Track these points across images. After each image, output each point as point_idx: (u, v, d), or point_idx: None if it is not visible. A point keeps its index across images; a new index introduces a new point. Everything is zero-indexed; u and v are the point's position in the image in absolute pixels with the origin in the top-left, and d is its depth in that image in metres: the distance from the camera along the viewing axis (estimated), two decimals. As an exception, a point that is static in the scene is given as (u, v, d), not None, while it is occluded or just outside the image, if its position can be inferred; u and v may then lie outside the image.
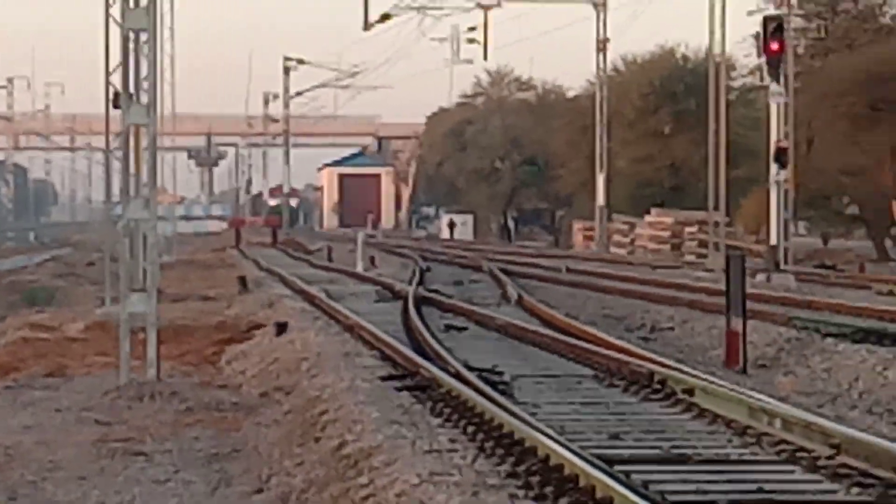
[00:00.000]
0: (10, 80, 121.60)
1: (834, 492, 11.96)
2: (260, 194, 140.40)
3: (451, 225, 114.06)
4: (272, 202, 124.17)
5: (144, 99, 23.23)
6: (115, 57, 23.26)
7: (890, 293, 38.46)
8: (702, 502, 11.20)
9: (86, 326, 30.84)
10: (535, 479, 12.17)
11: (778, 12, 47.92)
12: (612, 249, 72.82)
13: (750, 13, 56.75)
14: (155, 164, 24.33)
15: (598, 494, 10.98)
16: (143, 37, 23.06)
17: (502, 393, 17.36)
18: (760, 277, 40.83)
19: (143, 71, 23.10)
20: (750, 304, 24.97)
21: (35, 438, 17.67)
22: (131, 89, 23.21)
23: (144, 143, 23.66)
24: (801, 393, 20.13)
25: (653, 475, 12.22)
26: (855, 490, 11.95)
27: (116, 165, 24.69)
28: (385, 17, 59.92)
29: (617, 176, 75.62)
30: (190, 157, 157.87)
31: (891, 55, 56.99)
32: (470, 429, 15.11)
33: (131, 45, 23.06)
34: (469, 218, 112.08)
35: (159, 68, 23.32)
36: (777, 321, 27.55)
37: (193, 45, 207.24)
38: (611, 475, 11.40)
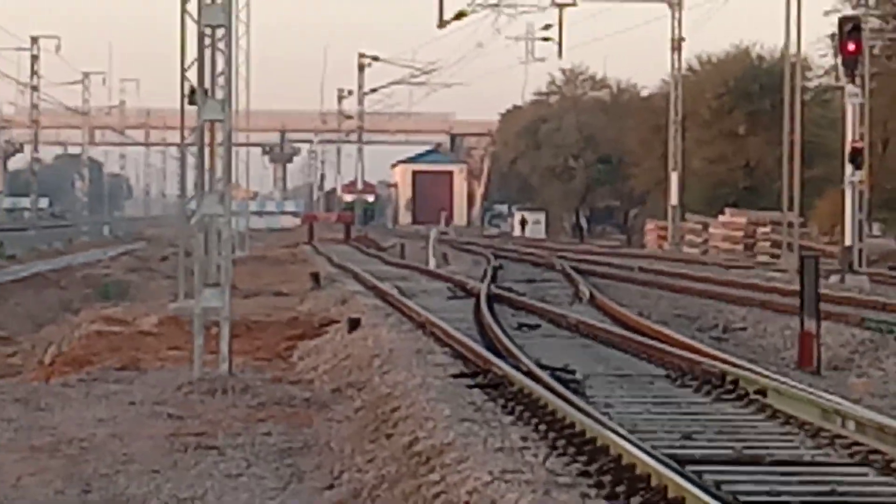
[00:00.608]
0: (86, 76, 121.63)
1: (907, 496, 11.92)
2: (333, 190, 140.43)
3: (523, 222, 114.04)
4: (347, 198, 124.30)
5: (219, 95, 23.30)
6: (191, 53, 23.27)
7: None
8: (770, 500, 11.17)
9: (159, 321, 30.92)
10: (606, 479, 12.15)
11: (855, 13, 47.75)
12: (685, 249, 72.60)
13: (826, 13, 56.67)
14: (229, 159, 24.39)
15: (671, 494, 10.96)
16: (219, 33, 23.13)
17: (574, 391, 17.34)
18: (834, 279, 40.64)
19: (219, 67, 23.19)
20: (823, 306, 24.88)
21: (109, 431, 17.73)
22: (206, 85, 23.26)
23: (219, 138, 23.76)
24: (875, 395, 20.03)
25: (725, 476, 12.19)
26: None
27: (191, 161, 24.70)
28: (460, 15, 59.90)
29: (691, 175, 75.48)
30: (264, 153, 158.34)
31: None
32: (542, 427, 15.09)
33: (207, 42, 23.12)
34: (541, 216, 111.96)
35: (234, 64, 23.37)
36: (851, 323, 27.44)
37: (268, 41, 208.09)
38: (683, 475, 11.37)
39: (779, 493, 11.71)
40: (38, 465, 15.80)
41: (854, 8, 49.19)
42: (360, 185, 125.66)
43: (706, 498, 10.49)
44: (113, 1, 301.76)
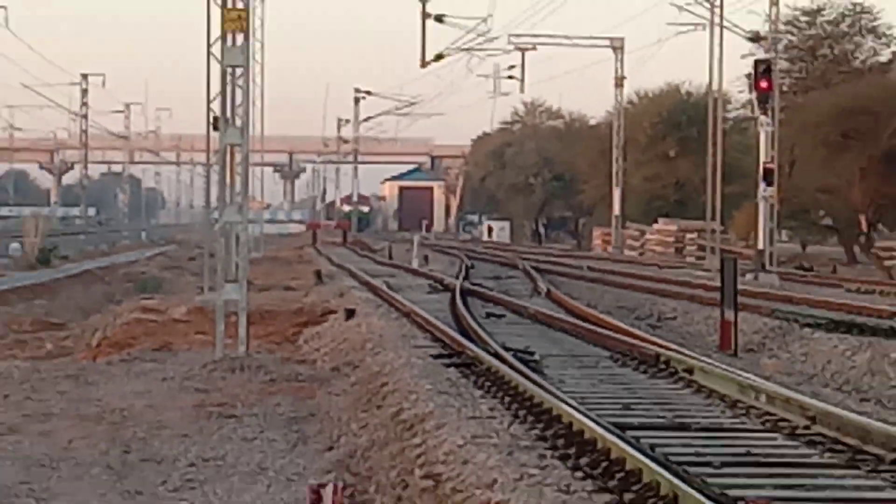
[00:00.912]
0: (127, 106, 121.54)
1: (809, 456, 11.94)
2: (333, 202, 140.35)
3: (490, 229, 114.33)
4: (345, 208, 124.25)
5: (238, 123, 23.29)
6: (215, 87, 23.25)
7: (857, 291, 38.35)
8: (699, 463, 11.18)
9: (187, 310, 30.90)
10: (560, 443, 12.18)
11: (766, 56, 47.75)
12: (626, 252, 72.55)
13: (743, 56, 56.75)
14: (246, 176, 24.39)
15: (613, 456, 10.98)
16: (238, 72, 23.13)
17: (533, 370, 17.36)
18: (749, 277, 40.69)
19: (238, 99, 23.16)
20: (741, 299, 24.90)
21: (145, 403, 17.74)
22: (228, 115, 23.26)
23: (238, 159, 23.72)
24: (783, 373, 20.09)
25: (658, 440, 12.22)
26: (827, 455, 11.93)
27: (214, 177, 24.64)
28: (439, 57, 59.78)
29: (630, 191, 75.44)
30: (275, 171, 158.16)
31: (859, 93, 56.85)
32: (506, 399, 15.11)
33: (228, 78, 23.12)
34: (506, 224, 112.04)
35: (251, 97, 23.28)
36: (763, 313, 27.49)
37: (279, 78, 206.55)
38: (623, 439, 11.40)
39: (703, 454, 11.74)
40: (86, 430, 15.80)
41: (766, 52, 49.17)
42: (355, 198, 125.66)
43: (643, 458, 10.52)
44: (150, 42, 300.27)
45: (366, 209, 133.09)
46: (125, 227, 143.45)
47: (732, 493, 9.53)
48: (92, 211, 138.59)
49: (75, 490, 12.77)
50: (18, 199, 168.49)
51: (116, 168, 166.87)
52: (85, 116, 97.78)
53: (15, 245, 71.45)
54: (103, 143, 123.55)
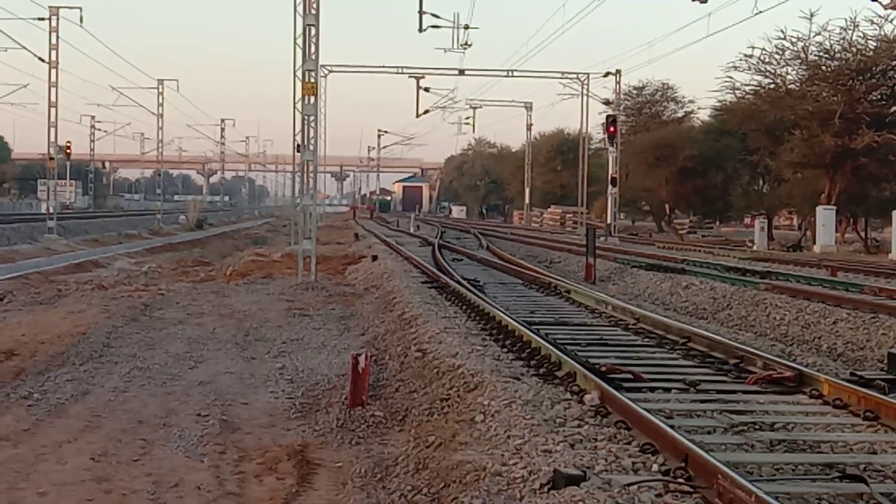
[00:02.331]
0: (247, 138, 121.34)
1: (635, 340, 11.99)
2: (365, 194, 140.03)
3: (450, 210, 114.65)
4: (374, 198, 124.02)
5: (311, 147, 23.23)
6: (298, 126, 23.17)
7: (663, 247, 38.44)
8: (573, 344, 11.21)
9: (282, 255, 30.84)
10: (495, 331, 12.21)
11: (613, 113, 47.69)
12: (532, 224, 72.52)
13: (600, 113, 56.53)
14: (315, 179, 24.32)
15: (524, 339, 11.01)
16: (311, 118, 23.07)
17: (479, 290, 17.40)
18: (602, 239, 40.80)
19: (311, 134, 23.09)
20: (597, 251, 24.98)
21: (257, 307, 17.72)
22: (305, 142, 23.19)
23: (310, 169, 23.65)
24: (621, 293, 20.15)
25: (550, 330, 12.25)
26: (646, 339, 11.99)
27: (297, 179, 24.58)
28: (426, 111, 59.55)
29: (535, 189, 75.33)
30: (332, 176, 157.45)
31: (665, 135, 56.97)
32: (464, 307, 15.15)
33: (306, 121, 23.04)
34: (464, 208, 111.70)
35: (318, 132, 23.19)
36: (609, 259, 27.57)
37: (334, 121, 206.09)
38: (530, 330, 11.43)
39: (575, 339, 11.78)
40: (223, 322, 15.79)
41: (613, 111, 49.06)
42: (378, 192, 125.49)
43: (541, 341, 10.54)
44: (259, 101, 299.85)
45: (388, 198, 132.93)
46: (246, 208, 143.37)
47: (592, 360, 9.57)
48: (226, 198, 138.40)
49: (217, 357, 12.77)
50: (184, 192, 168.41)
51: (241, 173, 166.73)
52: (223, 143, 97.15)
53: (182, 217, 71.44)
54: (233, 159, 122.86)
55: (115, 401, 10.09)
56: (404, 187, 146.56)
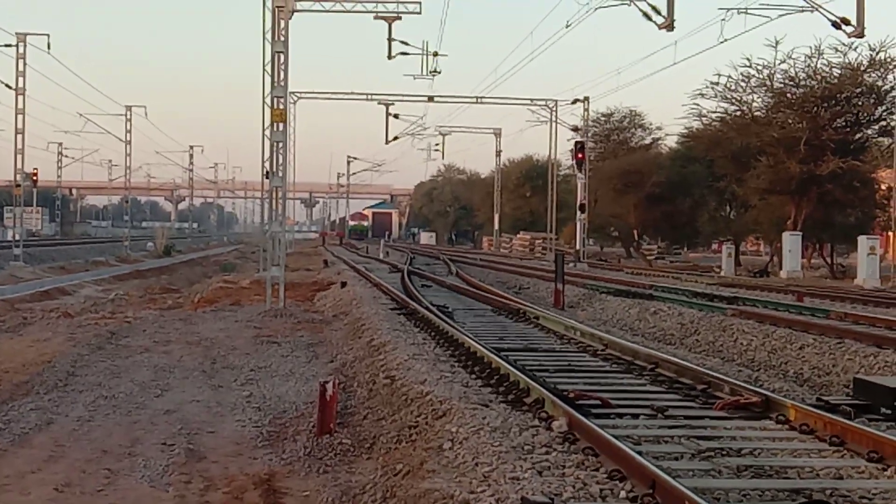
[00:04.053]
0: (216, 164, 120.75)
1: (604, 366, 12.00)
2: (334, 221, 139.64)
3: (418, 236, 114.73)
4: (352, 223, 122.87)
5: (280, 174, 23.19)
6: (267, 152, 23.15)
7: (631, 273, 38.62)
8: (541, 368, 11.21)
9: (250, 282, 30.76)
10: (463, 358, 12.18)
11: (581, 139, 47.99)
12: (502, 250, 72.65)
13: (569, 140, 56.88)
14: (284, 205, 24.27)
15: (493, 366, 10.99)
16: (280, 145, 23.03)
17: (448, 316, 17.37)
18: (572, 264, 40.93)
19: (280, 160, 23.05)
20: (566, 277, 25.03)
21: (225, 334, 17.62)
22: (274, 169, 23.14)
23: (279, 195, 23.60)
24: (590, 319, 20.20)
25: (518, 357, 12.23)
26: (615, 365, 11.99)
27: (266, 206, 24.52)
28: (396, 138, 59.63)
29: (504, 215, 75.56)
30: (301, 202, 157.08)
31: (633, 161, 57.27)
32: (433, 333, 15.10)
33: (275, 148, 23.01)
34: (433, 234, 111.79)
35: (287, 159, 23.16)
36: (578, 285, 27.65)
37: (304, 147, 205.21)
38: (499, 356, 11.41)
39: (543, 365, 11.77)
40: (190, 350, 15.68)
41: (581, 137, 49.35)
42: (347, 218, 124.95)
43: (510, 367, 10.53)
44: (231, 129, 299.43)
45: (365, 223, 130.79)
46: (214, 235, 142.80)
47: (560, 386, 9.56)
48: (195, 225, 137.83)
49: (184, 385, 12.67)
50: (153, 218, 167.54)
51: (209, 200, 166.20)
52: (192, 170, 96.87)
53: (150, 244, 71.03)
54: (202, 186, 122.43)
55: (79, 430, 9.98)
56: (374, 214, 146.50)
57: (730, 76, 43.35)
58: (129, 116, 63.20)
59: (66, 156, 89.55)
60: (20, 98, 43.72)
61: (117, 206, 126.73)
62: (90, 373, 13.25)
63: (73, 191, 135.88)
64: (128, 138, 63.22)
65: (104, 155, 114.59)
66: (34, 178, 55.54)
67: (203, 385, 12.64)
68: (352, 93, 56.43)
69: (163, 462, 8.75)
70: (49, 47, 44.18)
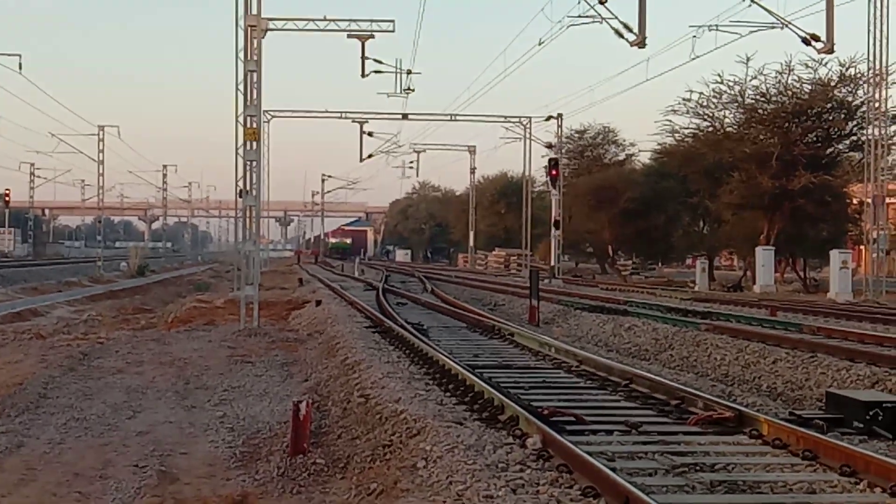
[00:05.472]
0: (189, 184, 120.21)
1: (578, 383, 12.02)
2: (309, 239, 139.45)
3: (393, 254, 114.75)
4: (333, 240, 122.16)
5: (254, 193, 23.11)
6: (240, 171, 23.06)
7: (606, 289, 38.73)
8: (515, 385, 11.22)
9: (224, 301, 30.60)
10: (438, 376, 12.16)
11: (555, 156, 48.12)
12: (476, 267, 72.64)
13: (543, 156, 56.88)
14: (258, 224, 24.16)
15: (468, 384, 10.98)
16: (253, 164, 22.95)
17: (423, 334, 17.35)
18: (546, 281, 40.97)
19: (253, 179, 22.97)
20: (541, 293, 25.05)
21: (198, 354, 17.51)
22: (248, 188, 23.07)
23: (253, 214, 23.50)
24: (564, 335, 20.21)
25: (493, 374, 12.24)
26: (589, 381, 12.01)
27: (240, 225, 24.42)
28: (370, 156, 59.61)
29: (479, 232, 75.54)
30: (276, 221, 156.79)
31: (607, 177, 57.48)
32: (408, 351, 15.08)
33: (248, 166, 22.93)
34: (409, 251, 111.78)
35: (260, 178, 23.10)
36: (553, 301, 27.69)
37: (278, 166, 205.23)
38: (473, 374, 11.40)
39: (518, 382, 11.78)
40: (163, 371, 15.57)
41: (555, 154, 49.50)
42: (326, 236, 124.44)
43: (484, 385, 10.52)
44: (203, 149, 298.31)
45: (348, 241, 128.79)
46: (188, 254, 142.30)
47: (535, 403, 9.56)
48: (169, 244, 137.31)
49: (156, 406, 12.58)
50: (126, 238, 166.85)
51: (183, 219, 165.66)
52: (165, 189, 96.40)
53: (123, 264, 70.66)
54: (176, 205, 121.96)
55: (50, 453, 9.88)
56: (349, 231, 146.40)
57: (702, 92, 43.69)
58: (101, 136, 62.87)
59: (39, 176, 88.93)
60: (-9, 118, 43.42)
61: (90, 225, 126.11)
62: (62, 395, 13.14)
63: (46, 211, 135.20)
64: (100, 158, 62.85)
65: (77, 175, 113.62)
66: (6, 198, 55.12)
67: (176, 406, 12.56)
68: (326, 111, 56.38)
69: (135, 484, 8.68)
70: (20, 67, 44.06)
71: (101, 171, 63.53)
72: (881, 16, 33.42)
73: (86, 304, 36.57)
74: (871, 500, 6.41)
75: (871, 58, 33.91)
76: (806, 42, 26.28)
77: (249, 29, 22.84)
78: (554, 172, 44.72)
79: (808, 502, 6.39)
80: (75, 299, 38.83)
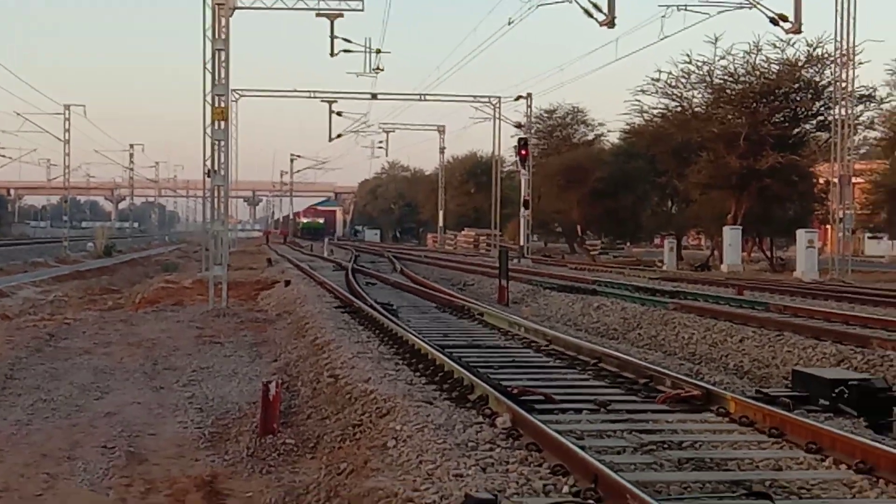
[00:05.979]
0: (157, 163, 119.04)
1: (548, 362, 12.05)
2: (278, 219, 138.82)
3: (362, 233, 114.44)
4: (304, 219, 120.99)
5: (222, 173, 22.98)
6: (209, 151, 22.92)
7: (575, 268, 38.87)
8: (485, 364, 11.24)
9: (192, 282, 30.43)
10: (408, 356, 12.16)
11: (525, 136, 48.16)
12: (446, 247, 72.70)
13: (513, 136, 57.13)
14: (227, 204, 24.06)
15: (437, 363, 10.99)
16: (221, 143, 22.82)
17: (393, 314, 17.33)
18: (516, 261, 41.00)
19: (221, 159, 22.84)
20: (510, 273, 25.07)
21: (167, 335, 17.43)
22: (216, 168, 22.94)
23: (221, 194, 23.38)
24: (534, 315, 20.25)
25: (463, 354, 12.23)
26: (558, 361, 12.05)
27: (209, 205, 24.30)
28: (339, 135, 59.43)
29: (448, 212, 75.60)
30: (244, 201, 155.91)
31: (576, 157, 57.59)
32: (377, 331, 15.06)
33: (216, 146, 22.79)
34: (378, 231, 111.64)
35: (228, 157, 22.96)
36: (522, 281, 27.74)
37: (246, 145, 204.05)
38: (443, 353, 11.41)
39: (488, 361, 11.79)
40: (131, 351, 15.49)
41: (525, 134, 49.54)
42: (295, 215, 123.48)
43: (452, 363, 10.54)
44: (171, 127, 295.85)
45: (321, 220, 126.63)
46: (156, 234, 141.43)
47: (504, 383, 9.58)
48: (136, 224, 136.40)
49: (124, 387, 12.53)
50: (93, 218, 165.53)
51: (151, 199, 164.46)
52: (132, 169, 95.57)
53: (90, 244, 70.09)
54: (143, 185, 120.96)
55: (17, 434, 9.81)
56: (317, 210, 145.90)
57: (670, 72, 43.81)
58: (67, 115, 62.23)
59: (3, 155, 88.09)
60: (-46, 97, 42.88)
61: (56, 206, 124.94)
62: (29, 376, 13.05)
63: (11, 191, 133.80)
64: (66, 137, 62.24)
65: (42, 154, 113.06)
66: (-30, 178, 54.40)
67: (144, 387, 12.50)
68: (294, 90, 56.24)
69: (103, 465, 8.64)
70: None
71: (66, 151, 62.93)
72: (848, -4, 33.58)
73: (52, 285, 36.26)
74: (836, 477, 6.48)
75: (839, 38, 34.12)
76: (774, 22, 26.44)
77: (217, 7, 22.68)
78: (523, 152, 44.76)
79: (774, 479, 6.45)
80: (41, 280, 38.48)
